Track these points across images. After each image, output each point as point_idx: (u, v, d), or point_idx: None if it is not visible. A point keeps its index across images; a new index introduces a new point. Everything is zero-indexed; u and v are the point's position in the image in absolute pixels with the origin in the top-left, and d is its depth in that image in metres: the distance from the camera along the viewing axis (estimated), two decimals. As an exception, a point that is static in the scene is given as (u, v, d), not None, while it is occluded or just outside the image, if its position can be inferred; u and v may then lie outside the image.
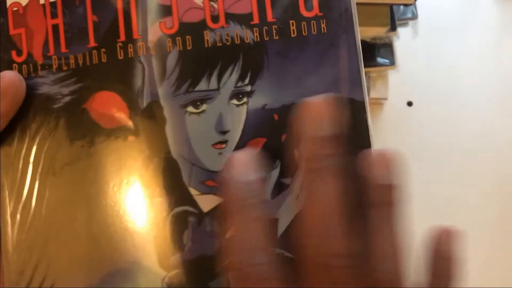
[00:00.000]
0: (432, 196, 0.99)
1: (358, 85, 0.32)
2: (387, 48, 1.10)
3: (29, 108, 0.32)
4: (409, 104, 1.08)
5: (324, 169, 0.28)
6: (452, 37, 1.11)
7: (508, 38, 1.10)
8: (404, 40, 1.14)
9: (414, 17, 1.13)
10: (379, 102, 1.11)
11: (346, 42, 0.32)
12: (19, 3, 0.33)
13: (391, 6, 1.07)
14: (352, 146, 0.32)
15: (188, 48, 0.31)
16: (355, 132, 0.32)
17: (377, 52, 1.09)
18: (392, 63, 1.10)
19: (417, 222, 0.94)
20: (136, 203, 0.32)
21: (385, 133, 1.00)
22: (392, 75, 1.09)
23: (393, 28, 1.09)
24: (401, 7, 1.12)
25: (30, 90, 0.32)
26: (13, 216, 0.32)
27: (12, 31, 0.33)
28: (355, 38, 0.32)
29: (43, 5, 0.33)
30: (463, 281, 0.31)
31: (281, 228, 0.32)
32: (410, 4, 1.10)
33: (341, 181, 0.27)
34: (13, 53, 0.33)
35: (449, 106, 1.05)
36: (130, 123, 0.32)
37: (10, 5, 0.33)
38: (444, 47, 1.11)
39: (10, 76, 0.31)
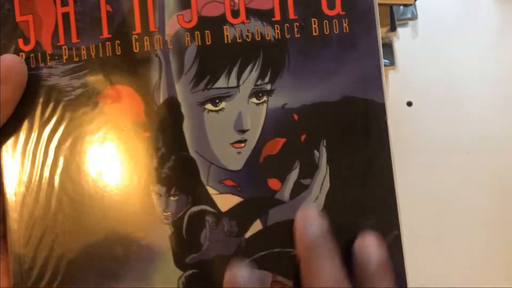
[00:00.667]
0: (432, 196, 0.98)
1: (379, 86, 0.31)
2: (387, 48, 1.09)
3: (37, 100, 0.31)
4: (409, 104, 1.08)
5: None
6: (452, 37, 1.11)
7: (508, 38, 1.10)
8: (404, 40, 1.13)
9: (414, 17, 1.12)
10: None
11: (368, 43, 0.31)
12: None
13: (391, 6, 1.06)
14: (371, 148, 0.31)
15: (207, 43, 0.30)
16: (374, 134, 0.31)
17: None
18: (392, 63, 1.09)
19: (417, 222, 0.93)
20: (151, 201, 0.31)
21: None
22: (392, 75, 1.09)
23: (393, 28, 1.08)
24: (401, 7, 1.12)
25: (39, 81, 0.31)
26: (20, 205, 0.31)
27: (18, 18, 0.31)
28: (376, 39, 0.31)
29: None
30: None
31: None
32: (410, 5, 1.09)
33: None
34: (20, 41, 0.31)
35: (449, 106, 1.05)
36: (145, 119, 0.31)
37: None
38: (444, 47, 1.11)
39: (11, 59, 0.30)
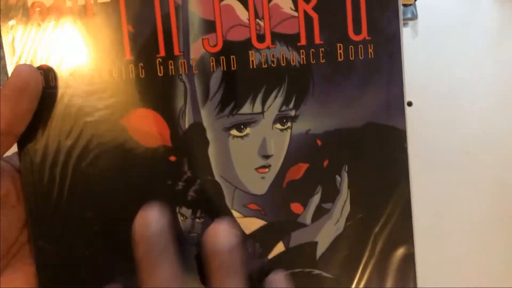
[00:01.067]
0: (432, 196, 0.99)
1: (401, 113, 0.32)
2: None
3: (57, 119, 0.30)
4: (409, 104, 1.08)
5: None
6: (452, 37, 1.11)
7: (508, 38, 1.10)
8: (404, 40, 1.13)
9: (414, 17, 1.13)
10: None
11: (392, 69, 0.31)
12: (43, 3, 0.30)
13: (392, 5, 1.06)
14: (390, 174, 0.32)
15: (233, 68, 0.30)
16: (394, 161, 0.32)
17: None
18: (393, 62, 1.10)
19: (417, 222, 0.94)
20: (176, 223, 0.31)
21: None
22: (393, 75, 1.09)
23: (394, 27, 1.08)
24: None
25: (59, 100, 0.30)
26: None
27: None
28: (401, 65, 0.32)
29: (70, 8, 0.30)
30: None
31: (320, 251, 0.32)
32: (410, 5, 1.09)
33: None
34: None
35: (449, 106, 1.06)
36: (171, 143, 0.31)
37: (32, 4, 0.30)
38: (444, 47, 1.11)
39: (27, 70, 0.29)
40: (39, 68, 0.30)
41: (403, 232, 0.33)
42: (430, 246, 0.96)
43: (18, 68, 0.29)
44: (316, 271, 0.32)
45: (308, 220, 0.32)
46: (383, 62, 0.31)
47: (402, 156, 0.32)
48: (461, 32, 1.11)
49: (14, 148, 0.31)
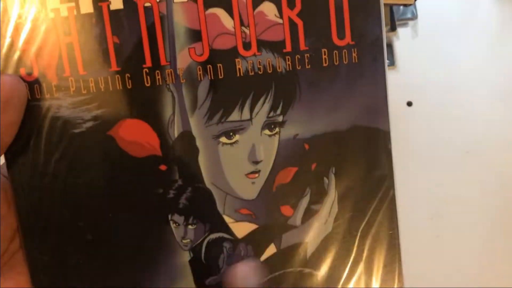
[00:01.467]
0: (432, 196, 0.99)
1: (384, 115, 0.32)
2: (387, 49, 1.10)
3: (44, 131, 0.31)
4: (409, 104, 1.09)
5: None
6: (452, 37, 1.12)
7: (508, 38, 1.10)
8: (404, 40, 1.14)
9: (414, 17, 1.13)
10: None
11: (375, 72, 0.32)
12: (24, 15, 0.30)
13: (391, 6, 1.07)
14: (375, 174, 0.33)
15: (220, 77, 0.31)
16: (379, 161, 0.33)
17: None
18: (392, 63, 1.10)
19: (417, 222, 0.94)
20: (169, 229, 0.32)
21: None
22: (392, 75, 1.09)
23: (393, 28, 1.09)
24: (401, 7, 1.12)
25: (45, 112, 0.30)
26: None
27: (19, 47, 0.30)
28: (384, 68, 0.32)
29: (53, 19, 0.30)
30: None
31: (310, 251, 0.33)
32: (410, 5, 1.10)
33: None
34: (22, 70, 0.30)
35: (449, 106, 1.06)
36: (161, 153, 0.31)
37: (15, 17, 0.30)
38: (444, 47, 1.11)
39: (11, 80, 0.29)
40: (24, 80, 0.30)
41: (388, 229, 0.33)
42: (430, 246, 0.97)
43: (2, 79, 0.29)
44: (307, 270, 0.33)
45: (298, 221, 0.32)
46: (367, 66, 0.32)
47: (387, 156, 0.33)
48: (461, 32, 1.11)
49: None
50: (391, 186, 0.33)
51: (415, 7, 1.12)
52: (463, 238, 0.97)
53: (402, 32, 1.13)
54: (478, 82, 1.07)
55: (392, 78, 1.09)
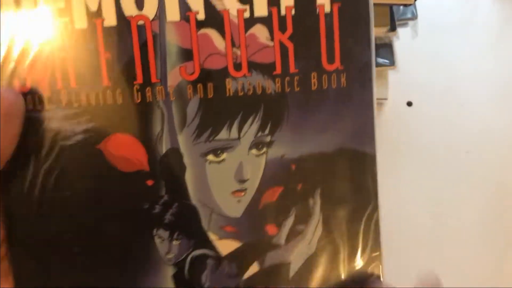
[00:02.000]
0: (432, 196, 0.99)
1: (371, 139, 0.33)
2: (387, 48, 1.09)
3: (35, 142, 0.31)
4: (409, 104, 1.09)
5: None
6: (452, 37, 1.11)
7: (508, 38, 1.10)
8: (404, 40, 1.13)
9: (414, 17, 1.12)
10: (378, 102, 1.11)
11: (363, 97, 0.32)
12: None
13: (390, 6, 1.06)
14: (360, 196, 0.33)
15: (209, 96, 0.31)
16: (364, 184, 0.33)
17: (377, 52, 1.09)
18: (392, 63, 1.10)
19: (417, 222, 0.94)
20: (153, 244, 0.32)
21: (385, 133, 1.00)
22: (392, 75, 1.09)
23: (393, 28, 1.08)
24: (401, 7, 1.12)
25: (37, 124, 0.31)
26: None
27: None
28: (372, 93, 0.32)
29: (47, 33, 0.31)
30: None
31: (293, 270, 0.33)
32: (410, 4, 1.09)
33: None
34: (15, 81, 0.31)
35: (449, 106, 1.06)
36: (149, 168, 0.32)
37: None
38: (444, 47, 1.11)
39: (10, 93, 0.30)
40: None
41: (372, 252, 0.34)
42: (430, 247, 0.97)
43: (3, 94, 0.29)
44: None
45: (282, 241, 0.33)
46: (355, 90, 0.32)
47: (372, 179, 0.33)
48: (461, 32, 1.11)
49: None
50: (375, 209, 0.33)
51: (415, 7, 1.11)
52: (463, 238, 0.97)
53: (402, 32, 1.13)
54: (479, 82, 1.07)
55: (392, 78, 1.10)
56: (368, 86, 0.32)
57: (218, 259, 0.33)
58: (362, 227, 0.33)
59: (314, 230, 0.33)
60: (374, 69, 0.32)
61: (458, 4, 1.15)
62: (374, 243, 0.34)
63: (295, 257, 0.33)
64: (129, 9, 0.30)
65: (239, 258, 0.33)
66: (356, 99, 0.32)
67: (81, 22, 0.30)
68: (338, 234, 0.33)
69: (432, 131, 1.05)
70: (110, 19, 0.30)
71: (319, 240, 0.33)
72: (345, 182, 0.33)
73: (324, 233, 0.33)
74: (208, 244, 0.32)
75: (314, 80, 0.32)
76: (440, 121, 1.06)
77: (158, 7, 0.31)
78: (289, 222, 0.33)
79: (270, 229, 0.33)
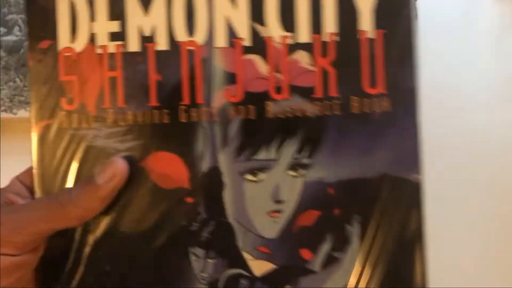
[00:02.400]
0: (432, 196, 1.00)
1: (417, 166, 0.32)
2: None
3: (77, 159, 0.33)
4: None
5: None
6: (452, 37, 1.11)
7: (508, 38, 1.10)
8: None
9: (414, 17, 1.13)
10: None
11: (408, 122, 0.32)
12: (72, 49, 0.33)
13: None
14: (405, 230, 0.32)
15: (251, 117, 0.32)
16: (409, 216, 0.32)
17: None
18: (391, 62, 1.10)
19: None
20: (188, 262, 0.33)
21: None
22: (392, 75, 1.09)
23: (393, 27, 1.08)
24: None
25: (81, 141, 0.33)
26: None
27: (62, 77, 0.33)
28: (416, 119, 0.32)
29: (100, 55, 0.33)
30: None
31: None
32: (411, 4, 1.09)
33: None
34: (63, 100, 0.33)
35: (449, 106, 1.06)
36: (189, 186, 0.32)
37: (62, 49, 0.33)
38: (444, 47, 1.11)
39: (122, 164, 0.32)
40: (64, 109, 0.33)
41: None
42: (430, 246, 0.98)
43: (115, 160, 0.32)
44: None
45: (317, 267, 0.32)
46: (399, 116, 0.32)
47: (417, 211, 0.32)
48: (461, 32, 1.11)
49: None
50: (422, 245, 0.32)
51: (415, 7, 1.12)
52: (463, 238, 0.97)
53: (403, 31, 1.13)
54: (479, 82, 1.07)
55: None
56: (414, 111, 0.32)
57: (252, 279, 0.32)
58: (407, 265, 0.32)
59: (352, 259, 0.32)
60: (420, 94, 0.32)
61: (459, 4, 1.15)
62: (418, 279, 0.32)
63: (330, 285, 0.32)
64: (181, 34, 0.33)
65: (273, 281, 0.32)
66: (401, 124, 0.32)
67: (135, 45, 0.33)
68: (382, 269, 0.32)
69: (432, 131, 1.06)
70: (163, 44, 0.33)
71: (359, 271, 0.32)
72: (387, 213, 0.32)
73: (365, 266, 0.32)
74: (243, 264, 0.32)
75: (355, 104, 0.32)
76: (440, 121, 1.07)
77: (207, 34, 0.32)
78: (325, 248, 0.32)
79: (305, 253, 0.32)
